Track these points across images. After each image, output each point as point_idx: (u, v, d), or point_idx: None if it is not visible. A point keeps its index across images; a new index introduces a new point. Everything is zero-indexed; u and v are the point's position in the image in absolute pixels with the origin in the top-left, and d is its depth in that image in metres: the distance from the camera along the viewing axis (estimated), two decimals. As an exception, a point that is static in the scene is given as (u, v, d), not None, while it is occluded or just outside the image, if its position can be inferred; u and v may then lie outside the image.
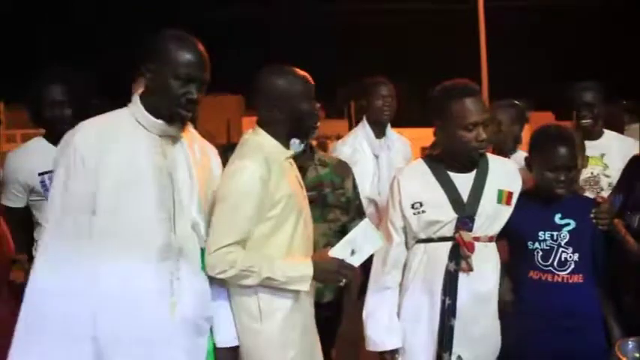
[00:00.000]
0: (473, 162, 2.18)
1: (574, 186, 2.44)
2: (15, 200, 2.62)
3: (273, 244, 2.05)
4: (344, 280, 2.10)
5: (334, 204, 2.72)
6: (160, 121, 1.83)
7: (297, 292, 2.07)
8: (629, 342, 1.54)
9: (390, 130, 3.51)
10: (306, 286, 2.01)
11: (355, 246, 2.01)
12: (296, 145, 2.52)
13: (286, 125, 2.12)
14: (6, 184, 2.66)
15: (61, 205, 1.75)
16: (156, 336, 1.80)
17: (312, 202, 2.62)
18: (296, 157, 2.67)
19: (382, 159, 3.38)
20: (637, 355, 1.50)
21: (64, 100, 2.55)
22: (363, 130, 3.42)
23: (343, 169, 2.87)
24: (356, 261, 2.02)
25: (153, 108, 1.81)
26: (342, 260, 2.01)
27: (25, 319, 1.74)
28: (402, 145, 3.54)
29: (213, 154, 2.06)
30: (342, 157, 3.28)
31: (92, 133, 1.77)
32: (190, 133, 1.97)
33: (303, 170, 2.69)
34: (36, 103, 2.60)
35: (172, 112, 1.81)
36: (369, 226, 2.06)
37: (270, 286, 2.00)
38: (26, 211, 2.65)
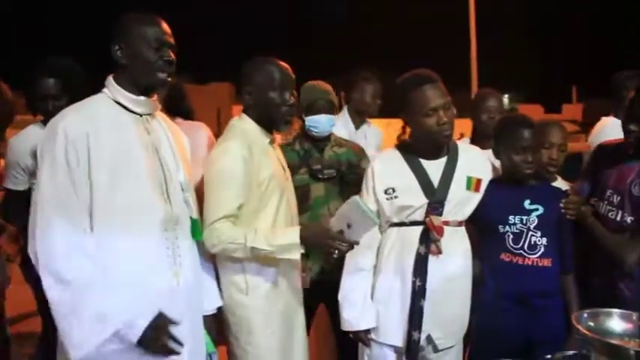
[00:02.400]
0: (439, 146, 2.23)
1: (548, 173, 2.54)
2: (17, 183, 2.72)
3: (258, 223, 2.16)
4: (336, 252, 2.04)
5: (352, 182, 2.79)
6: (141, 98, 1.90)
7: (282, 268, 2.20)
8: (585, 313, 1.64)
9: (366, 120, 3.67)
10: (296, 254, 2.06)
11: (350, 221, 1.98)
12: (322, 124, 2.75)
13: (257, 112, 2.24)
14: (8, 168, 2.77)
15: (53, 190, 1.74)
16: (166, 306, 1.84)
17: (330, 179, 2.76)
18: (314, 139, 2.81)
19: None
20: (591, 324, 1.59)
21: (57, 94, 2.60)
22: (344, 119, 3.53)
23: (360, 151, 2.97)
24: (353, 236, 2.00)
25: (132, 83, 1.88)
26: (337, 232, 2.00)
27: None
28: (374, 134, 3.67)
29: (181, 133, 2.15)
30: None
31: (77, 118, 1.80)
32: (161, 114, 2.05)
33: (320, 151, 2.83)
34: (31, 94, 2.66)
35: (153, 78, 1.88)
36: (360, 203, 1.98)
37: (260, 256, 2.09)
38: (28, 193, 2.73)
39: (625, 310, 1.63)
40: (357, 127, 3.54)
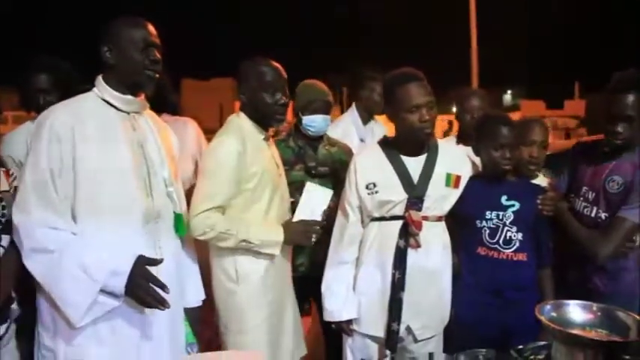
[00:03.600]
0: (420, 142, 2.29)
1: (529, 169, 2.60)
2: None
3: (251, 215, 2.29)
4: (314, 237, 2.33)
5: (344, 179, 2.89)
6: (128, 97, 1.98)
7: (271, 258, 2.32)
8: (548, 304, 1.72)
9: (373, 117, 3.76)
10: (277, 250, 2.30)
11: (311, 206, 2.33)
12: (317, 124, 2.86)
13: (251, 111, 2.37)
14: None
15: (33, 186, 1.82)
16: None
17: (324, 176, 2.86)
18: (308, 137, 2.92)
19: (367, 143, 3.58)
20: (554, 314, 1.66)
21: (49, 88, 2.69)
22: (352, 116, 3.65)
23: (350, 151, 3.05)
24: (318, 216, 2.34)
25: (120, 82, 1.96)
26: (306, 220, 2.31)
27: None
28: (381, 130, 3.74)
29: (169, 130, 2.23)
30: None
31: (65, 113, 1.88)
32: (150, 112, 2.12)
33: (314, 149, 2.94)
34: (24, 90, 2.75)
35: (141, 76, 1.95)
36: (313, 186, 2.39)
37: (245, 248, 2.25)
38: None
39: (586, 302, 1.71)
40: (364, 124, 3.64)
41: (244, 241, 2.24)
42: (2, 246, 1.81)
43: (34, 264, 1.81)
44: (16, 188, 2.06)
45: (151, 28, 1.99)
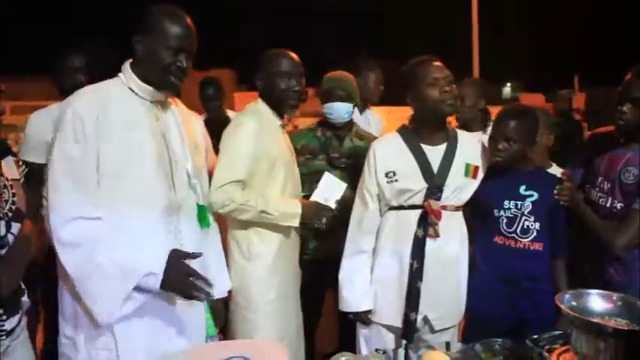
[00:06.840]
0: (442, 118, 2.30)
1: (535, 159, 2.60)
2: (36, 155, 2.73)
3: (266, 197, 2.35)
4: (324, 221, 2.41)
5: None
6: (151, 88, 1.94)
7: (283, 241, 2.40)
8: (567, 293, 1.73)
9: (368, 107, 3.80)
10: (296, 222, 2.38)
11: (326, 195, 2.47)
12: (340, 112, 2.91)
13: (267, 96, 2.46)
14: (28, 141, 2.84)
15: (62, 169, 1.80)
16: None
17: (346, 169, 2.90)
18: (336, 128, 2.96)
19: None
20: (574, 303, 1.67)
21: (81, 67, 2.76)
22: None
23: None
24: (331, 205, 2.46)
25: (144, 76, 1.92)
26: (320, 203, 2.44)
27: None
28: (375, 120, 3.78)
29: (195, 120, 2.21)
30: None
31: (90, 98, 1.85)
32: (175, 100, 2.10)
33: (340, 140, 2.96)
34: (57, 70, 2.79)
35: (164, 80, 1.92)
36: (331, 177, 2.53)
37: (264, 221, 2.32)
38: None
39: (605, 291, 1.72)
40: (360, 113, 3.64)
41: (263, 212, 2.30)
42: (12, 233, 1.80)
43: (66, 256, 1.78)
44: (25, 176, 2.06)
45: (188, 26, 1.92)
